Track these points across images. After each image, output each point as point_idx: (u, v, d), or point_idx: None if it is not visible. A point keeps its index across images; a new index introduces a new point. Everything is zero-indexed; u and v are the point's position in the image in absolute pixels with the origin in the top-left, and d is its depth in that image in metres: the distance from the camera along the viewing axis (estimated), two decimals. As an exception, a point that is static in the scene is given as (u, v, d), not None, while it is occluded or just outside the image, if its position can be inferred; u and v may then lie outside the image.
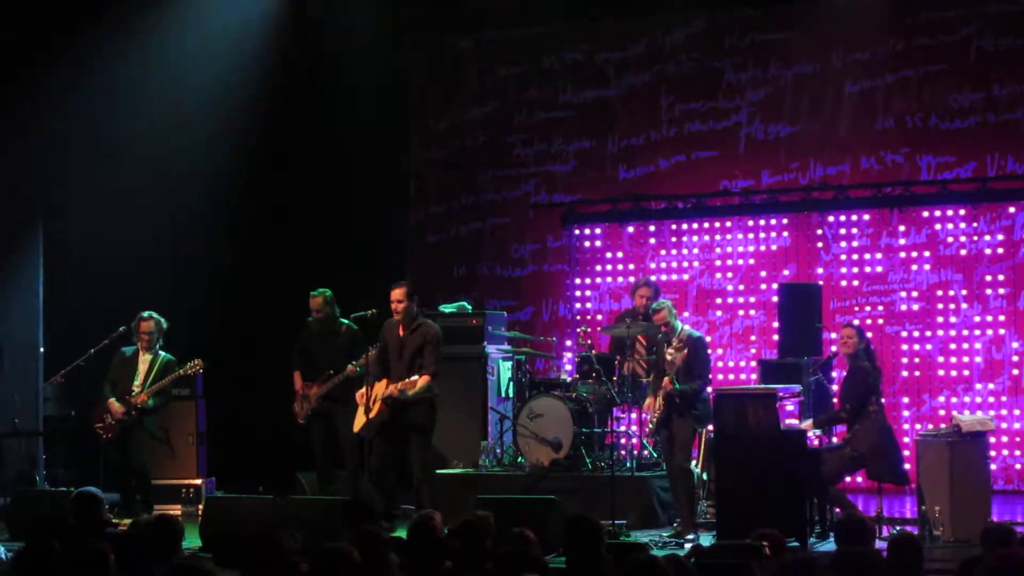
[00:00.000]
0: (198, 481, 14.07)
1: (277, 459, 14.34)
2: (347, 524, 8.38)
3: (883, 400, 11.90)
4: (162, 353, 13.01)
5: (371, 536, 7.07)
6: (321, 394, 13.03)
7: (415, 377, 11.78)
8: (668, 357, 11.89)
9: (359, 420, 12.27)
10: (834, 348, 13.75)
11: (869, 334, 12.46)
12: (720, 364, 15.58)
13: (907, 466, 11.94)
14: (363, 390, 12.21)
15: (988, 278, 14.76)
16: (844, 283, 15.24)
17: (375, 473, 12.10)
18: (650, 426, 12.20)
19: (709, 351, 12.34)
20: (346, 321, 13.10)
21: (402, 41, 16.93)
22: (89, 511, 8.87)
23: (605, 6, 16.29)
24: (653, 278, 14.66)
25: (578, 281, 16.35)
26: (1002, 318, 14.72)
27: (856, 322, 12.85)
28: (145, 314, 12.97)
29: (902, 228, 15.07)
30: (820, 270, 15.27)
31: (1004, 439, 14.56)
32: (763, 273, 15.59)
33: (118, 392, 12.83)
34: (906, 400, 14.90)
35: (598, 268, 16.30)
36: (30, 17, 14.56)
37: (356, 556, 6.46)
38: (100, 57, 15.04)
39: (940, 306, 14.92)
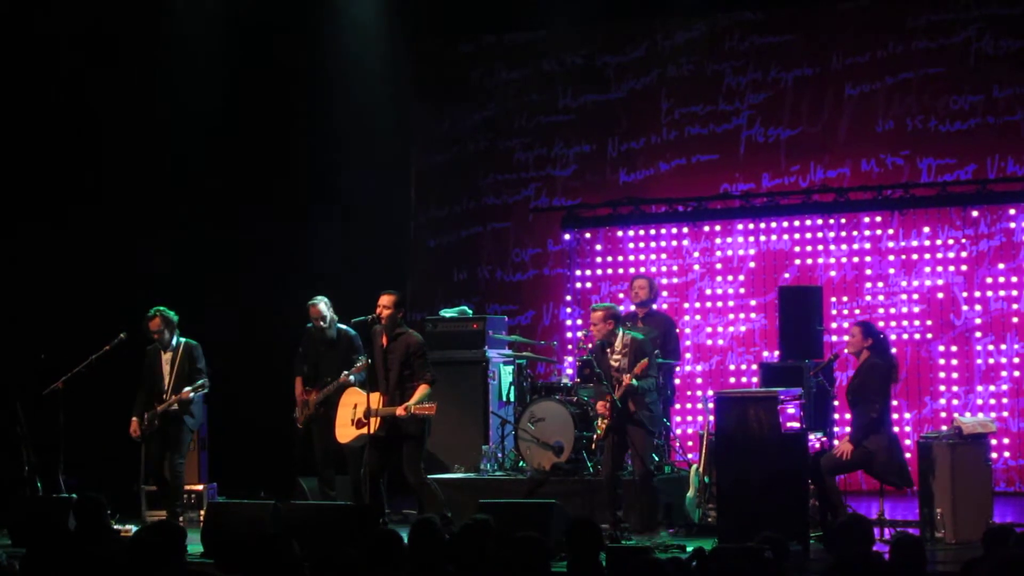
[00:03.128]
0: (200, 487, 14.05)
1: (278, 464, 14.32)
2: (358, 528, 8.33)
3: (892, 401, 11.87)
4: (183, 341, 12.91)
5: (389, 538, 7.06)
6: (318, 400, 13.02)
7: (413, 400, 11.62)
8: (613, 363, 11.85)
9: (346, 431, 12.18)
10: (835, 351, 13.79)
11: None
12: (721, 367, 15.59)
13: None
14: (348, 398, 12.14)
15: (989, 280, 14.77)
16: (845, 285, 15.25)
17: (366, 480, 11.98)
18: (597, 432, 12.10)
19: (656, 350, 12.24)
20: (343, 327, 13.09)
21: (403, 46, 16.94)
22: (92, 517, 8.84)
23: (605, 10, 16.30)
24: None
25: (579, 285, 16.35)
26: (1003, 319, 14.72)
27: (869, 321, 12.80)
28: (150, 312, 12.87)
29: (902, 230, 15.08)
30: (821, 273, 15.28)
31: (1005, 441, 14.57)
32: (764, 276, 15.60)
33: (154, 394, 12.82)
34: (907, 402, 14.90)
35: (599, 272, 16.30)
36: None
37: (358, 561, 6.46)
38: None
39: (941, 308, 14.92)
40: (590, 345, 13.82)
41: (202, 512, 12.85)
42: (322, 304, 13.14)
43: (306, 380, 13.25)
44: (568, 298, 16.31)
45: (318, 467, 13.18)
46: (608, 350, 11.92)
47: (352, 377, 12.65)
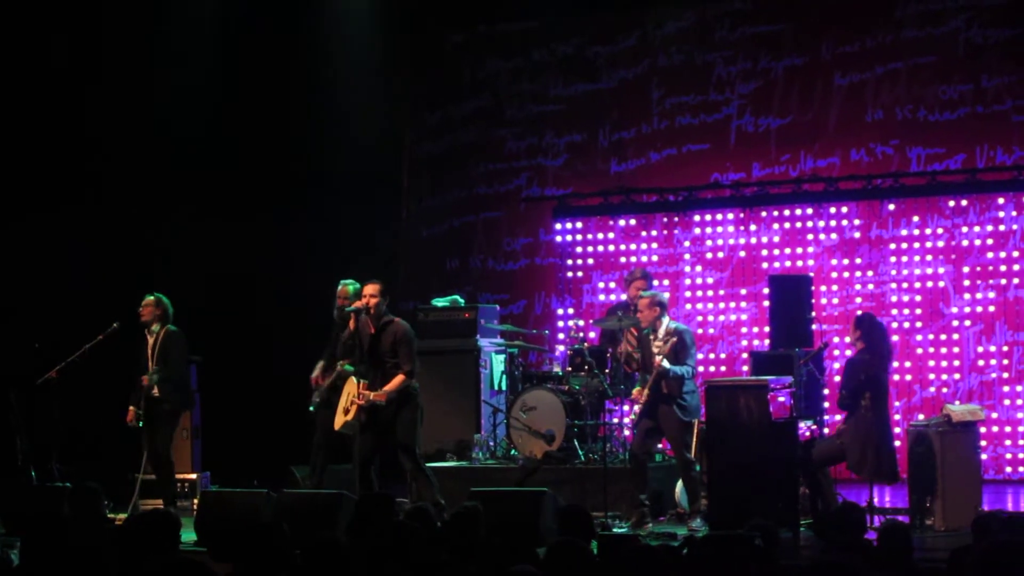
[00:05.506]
0: (193, 476, 14.08)
1: (272, 453, 14.36)
2: (371, 518, 8.27)
3: (889, 391, 11.89)
4: (165, 328, 12.85)
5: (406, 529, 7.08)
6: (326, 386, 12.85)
7: (387, 388, 11.65)
8: (655, 349, 11.95)
9: (339, 418, 12.22)
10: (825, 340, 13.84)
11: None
12: (712, 356, 15.64)
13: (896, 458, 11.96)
14: (347, 387, 12.18)
15: (978, 269, 14.84)
16: (835, 275, 15.31)
17: (357, 468, 11.97)
18: (632, 416, 12.21)
19: (695, 342, 12.33)
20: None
21: (394, 36, 16.95)
22: (87, 506, 8.88)
23: (596, 0, 16.33)
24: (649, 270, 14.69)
25: (569, 275, 16.40)
26: (992, 308, 14.78)
27: (860, 313, 12.87)
28: (147, 296, 12.92)
29: (892, 220, 15.14)
30: (811, 262, 15.34)
31: (994, 429, 14.63)
32: (754, 265, 15.65)
33: (138, 377, 12.83)
34: (897, 390, 14.95)
35: (590, 261, 16.35)
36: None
37: (347, 547, 6.49)
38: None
39: (931, 297, 14.98)
40: (582, 334, 13.93)
41: (195, 501, 12.88)
42: (349, 287, 12.91)
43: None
44: (559, 287, 16.35)
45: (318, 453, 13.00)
46: (652, 336, 12.03)
47: (348, 366, 12.58)
